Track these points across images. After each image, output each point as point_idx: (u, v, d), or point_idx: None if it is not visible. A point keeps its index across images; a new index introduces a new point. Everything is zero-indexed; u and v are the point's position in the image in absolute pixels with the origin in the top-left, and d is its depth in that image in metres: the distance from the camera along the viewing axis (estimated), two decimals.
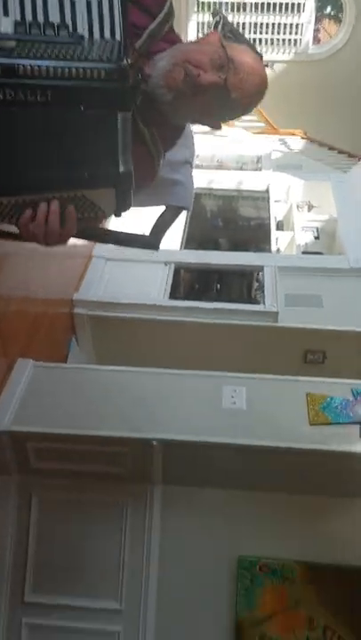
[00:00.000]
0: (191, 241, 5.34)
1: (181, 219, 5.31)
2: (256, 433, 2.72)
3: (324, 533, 2.80)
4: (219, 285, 4.53)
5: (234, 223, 6.31)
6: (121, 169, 1.05)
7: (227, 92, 1.15)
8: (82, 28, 1.03)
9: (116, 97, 1.01)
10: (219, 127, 1.29)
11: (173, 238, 4.89)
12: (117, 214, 1.15)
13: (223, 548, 2.79)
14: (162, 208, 1.53)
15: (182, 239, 5.06)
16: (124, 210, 1.14)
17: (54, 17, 1.02)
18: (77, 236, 1.49)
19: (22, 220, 1.10)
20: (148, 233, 1.48)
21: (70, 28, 1.03)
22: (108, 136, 1.03)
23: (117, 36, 1.04)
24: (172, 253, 4.57)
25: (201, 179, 5.54)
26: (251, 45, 1.29)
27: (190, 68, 1.15)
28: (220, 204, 6.31)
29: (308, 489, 2.78)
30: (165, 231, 1.48)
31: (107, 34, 1.04)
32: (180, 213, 1.51)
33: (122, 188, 1.09)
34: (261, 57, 1.29)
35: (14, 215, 1.09)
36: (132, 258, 4.44)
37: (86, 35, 1.03)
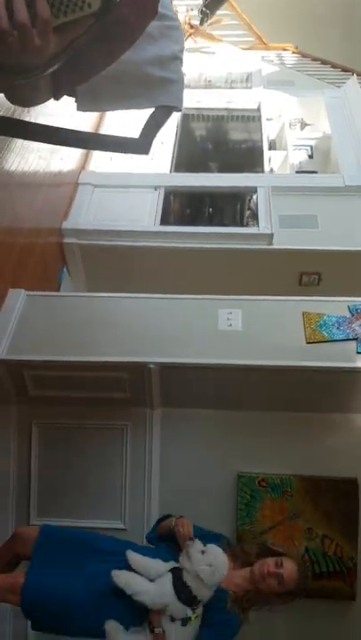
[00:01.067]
0: (180, 166, 5.15)
1: (170, 144, 5.14)
2: (253, 353, 2.71)
3: (321, 448, 2.85)
4: (211, 209, 4.42)
5: (224, 146, 6.09)
6: None
7: None
8: None
9: None
10: None
11: (162, 163, 4.72)
12: (105, 11, 0.98)
13: (223, 466, 2.84)
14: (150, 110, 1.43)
15: (171, 164, 4.88)
16: (112, 4, 0.99)
17: None
18: (59, 141, 1.39)
19: None
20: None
21: None
22: None
23: None
24: (162, 177, 4.42)
25: (189, 99, 5.30)
26: None
27: None
28: (210, 126, 6.07)
29: (305, 406, 2.81)
30: (156, 133, 1.38)
31: None
32: (171, 114, 1.40)
33: None
34: None
35: None
36: (120, 184, 4.31)
37: None
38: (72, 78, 1.17)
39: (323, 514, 2.87)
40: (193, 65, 5.58)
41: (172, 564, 2.07)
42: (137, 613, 2.01)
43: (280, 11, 7.11)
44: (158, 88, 1.38)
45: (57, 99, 1.15)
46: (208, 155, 6.02)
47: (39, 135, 1.41)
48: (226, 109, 5.54)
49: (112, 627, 1.99)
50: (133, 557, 2.06)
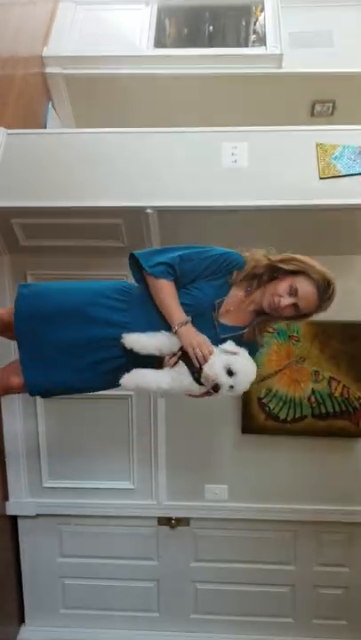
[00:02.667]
0: None
1: None
2: (261, 192, 2.47)
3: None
4: (211, 28, 3.85)
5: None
6: None
7: None
8: None
9: None
10: None
11: None
12: None
13: None
14: None
15: None
16: None
17: None
18: None
19: None
20: None
21: None
22: None
23: None
24: None
25: None
26: None
27: None
28: None
29: (317, 249, 2.61)
30: None
31: None
32: None
33: None
34: None
35: None
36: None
37: None
38: None
39: (329, 357, 2.83)
40: None
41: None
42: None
43: None
44: None
45: None
46: None
47: None
48: None
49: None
50: (138, 340, 1.68)
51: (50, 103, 3.61)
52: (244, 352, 1.69)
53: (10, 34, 3.10)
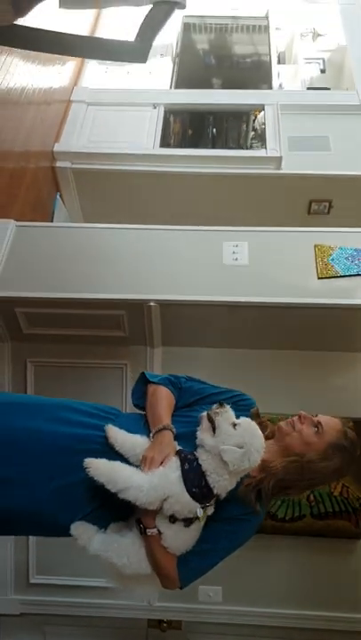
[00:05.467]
0: (181, 82, 4.76)
1: (169, 57, 4.72)
2: (261, 290, 2.53)
3: (330, 388, 2.74)
4: (214, 130, 4.09)
5: (229, 60, 5.63)
6: None
7: None
8: None
9: None
10: None
11: (161, 78, 4.35)
12: None
13: None
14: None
15: (171, 79, 4.50)
16: None
17: None
18: (45, 47, 1.15)
19: None
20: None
21: None
22: None
23: None
24: (161, 94, 4.08)
25: (190, 6, 4.81)
26: None
27: None
28: (213, 38, 5.58)
29: (314, 345, 2.66)
30: (155, 35, 1.15)
31: None
32: (172, 11, 1.16)
33: None
34: None
35: None
36: (116, 101, 3.97)
37: None
38: None
39: None
40: None
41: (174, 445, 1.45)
42: (119, 507, 1.40)
43: None
44: None
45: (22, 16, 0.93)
46: (211, 70, 5.57)
47: (17, 39, 1.17)
48: (231, 17, 5.06)
49: (82, 531, 1.42)
50: (116, 435, 1.44)
51: (58, 194, 3.76)
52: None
53: (25, 130, 3.29)
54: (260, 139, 3.93)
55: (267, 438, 1.47)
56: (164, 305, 2.54)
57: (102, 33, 4.11)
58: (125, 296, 2.53)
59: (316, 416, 1.54)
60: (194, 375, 2.69)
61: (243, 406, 1.55)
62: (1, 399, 1.63)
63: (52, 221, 3.58)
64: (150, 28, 1.15)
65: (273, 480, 1.46)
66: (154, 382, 1.58)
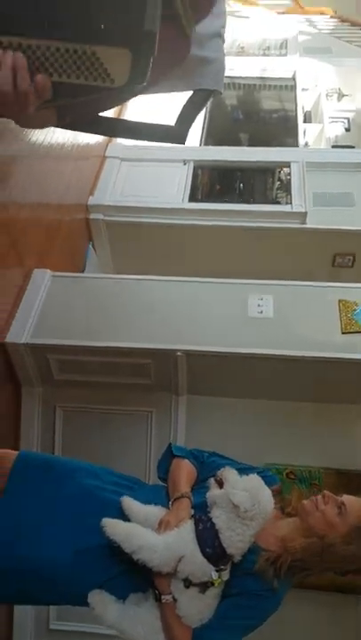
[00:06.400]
0: (210, 137, 4.97)
1: (199, 114, 4.92)
2: (285, 342, 2.60)
3: (353, 441, 2.76)
4: (241, 185, 4.24)
5: (256, 116, 5.86)
6: (145, 26, 0.85)
7: None
8: None
9: None
10: None
11: (191, 135, 4.53)
12: (128, 87, 0.92)
13: (249, 457, 2.73)
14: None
15: (201, 135, 4.71)
16: (138, 82, 0.92)
17: None
18: (86, 128, 1.27)
19: None
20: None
21: None
22: None
23: None
24: (191, 151, 4.25)
25: None
26: None
27: None
28: (241, 94, 5.83)
29: (337, 398, 2.71)
30: (194, 120, 1.26)
31: None
32: (210, 97, 1.28)
33: (141, 52, 0.88)
34: None
35: None
36: (148, 157, 4.16)
37: None
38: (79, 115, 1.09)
39: None
40: (225, 30, 5.32)
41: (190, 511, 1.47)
42: (137, 577, 1.43)
43: None
44: (196, 69, 1.25)
45: (59, 126, 1.06)
46: (239, 125, 5.80)
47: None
48: (259, 78, 5.31)
49: (98, 600, 1.42)
50: (131, 506, 1.46)
51: (90, 244, 3.92)
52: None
53: (63, 184, 3.47)
54: (286, 189, 4.07)
55: (289, 515, 1.49)
56: (191, 355, 2.62)
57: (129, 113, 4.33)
58: (153, 345, 2.63)
59: (341, 496, 1.49)
60: (217, 424, 2.76)
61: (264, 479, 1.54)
62: (30, 461, 1.70)
63: (84, 270, 3.73)
64: (190, 112, 1.27)
65: (291, 559, 1.43)
66: (178, 456, 1.62)
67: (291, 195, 3.87)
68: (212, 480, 1.49)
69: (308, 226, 3.76)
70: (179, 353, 2.60)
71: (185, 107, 1.27)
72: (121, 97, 1.06)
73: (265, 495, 1.43)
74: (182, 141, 1.26)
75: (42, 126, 1.06)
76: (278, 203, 4.04)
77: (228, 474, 1.46)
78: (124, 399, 2.83)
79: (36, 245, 3.04)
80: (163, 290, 2.86)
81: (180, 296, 2.82)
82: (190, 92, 1.30)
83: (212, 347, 2.62)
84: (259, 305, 2.75)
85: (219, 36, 1.29)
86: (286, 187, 4.04)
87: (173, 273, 3.06)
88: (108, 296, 2.84)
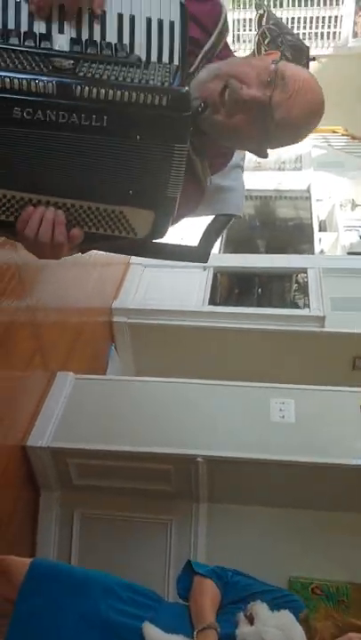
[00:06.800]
0: (228, 243, 5.20)
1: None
2: (307, 449, 2.57)
3: None
4: (260, 290, 4.38)
5: (272, 224, 6.14)
6: (168, 193, 0.99)
7: (271, 111, 1.00)
8: (139, 50, 0.95)
9: (174, 128, 0.93)
10: (265, 155, 1.13)
11: None
12: (149, 240, 1.07)
13: (273, 570, 2.63)
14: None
15: (220, 243, 4.93)
16: (158, 237, 1.07)
17: (112, 36, 0.95)
18: (113, 250, 1.38)
19: (26, 217, 0.99)
20: (194, 243, 1.37)
21: (128, 49, 0.95)
22: (161, 165, 0.96)
23: (175, 60, 0.96)
24: (211, 257, 4.40)
25: None
26: (296, 37, 1.16)
27: (233, 81, 1.01)
28: (259, 204, 6.15)
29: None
30: (215, 241, 1.36)
31: (165, 57, 0.96)
32: (230, 221, 1.38)
33: (163, 213, 1.02)
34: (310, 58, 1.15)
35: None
36: (170, 263, 4.33)
37: (143, 57, 0.95)
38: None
39: None
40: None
41: None
42: None
43: (328, 93, 7.31)
44: (218, 196, 1.36)
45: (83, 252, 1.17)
46: (257, 232, 6.07)
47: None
48: (275, 190, 5.62)
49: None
50: (153, 635, 1.44)
51: (113, 346, 4.01)
52: None
53: (88, 290, 3.62)
54: (304, 291, 4.17)
55: None
56: (212, 461, 2.60)
57: None
58: (173, 450, 2.61)
59: None
60: (239, 534, 2.68)
61: (291, 609, 1.51)
62: (43, 571, 1.65)
63: (106, 370, 3.79)
64: (212, 235, 1.37)
65: None
66: (200, 574, 1.57)
67: (309, 298, 3.97)
68: (241, 615, 1.45)
69: (326, 329, 3.81)
70: (199, 459, 2.58)
71: (207, 229, 1.37)
72: (142, 246, 1.19)
73: (297, 633, 1.41)
74: (205, 261, 1.35)
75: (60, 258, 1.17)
76: (296, 304, 4.14)
77: (259, 609, 1.42)
78: (143, 506, 2.77)
79: (61, 348, 3.13)
80: (184, 393, 2.88)
81: (202, 399, 2.84)
82: (212, 216, 1.40)
83: (233, 452, 2.59)
84: (281, 409, 2.75)
85: (239, 166, 1.41)
86: (304, 289, 4.16)
87: (194, 374, 3.10)
88: (129, 399, 2.87)
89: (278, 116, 1.01)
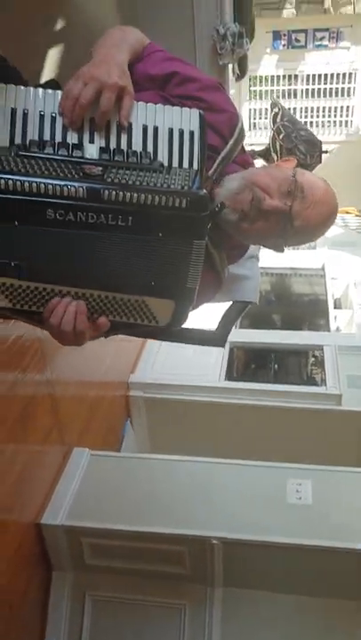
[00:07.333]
0: (245, 317, 5.26)
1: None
2: (326, 533, 2.51)
3: None
4: (276, 366, 4.40)
5: (288, 299, 6.23)
6: (188, 284, 1.06)
7: (290, 219, 1.11)
8: (162, 156, 1.05)
9: (193, 226, 1.02)
10: (281, 250, 1.22)
11: None
12: (168, 328, 1.13)
13: None
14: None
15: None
16: (178, 325, 1.13)
17: (137, 145, 1.05)
18: (134, 334, 1.44)
19: (52, 308, 1.06)
20: (212, 327, 1.43)
21: (151, 156, 1.04)
22: (181, 259, 1.04)
23: (195, 165, 1.05)
24: None
25: None
26: (309, 132, 1.25)
27: (257, 191, 1.11)
28: (274, 280, 6.28)
29: None
30: (232, 326, 1.42)
31: (185, 163, 1.05)
32: (246, 308, 1.45)
33: (183, 303, 1.09)
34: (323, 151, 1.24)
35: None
36: None
37: (165, 163, 1.05)
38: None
39: None
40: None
41: None
42: None
43: (341, 176, 7.59)
44: (235, 284, 1.43)
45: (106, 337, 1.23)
46: (273, 307, 6.15)
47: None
48: (290, 268, 5.75)
49: None
50: None
51: (128, 420, 4.02)
52: None
53: (106, 363, 3.67)
54: (320, 366, 4.19)
55: None
56: (227, 543, 2.55)
57: None
58: (188, 532, 2.57)
59: None
60: (255, 621, 2.58)
61: None
62: None
63: (121, 443, 3.78)
64: (229, 320, 1.44)
65: None
66: None
67: (325, 374, 3.98)
68: None
69: (344, 408, 3.79)
70: (214, 541, 2.53)
71: (224, 315, 1.44)
72: (162, 332, 1.25)
73: None
74: (222, 345, 1.40)
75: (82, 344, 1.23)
76: (313, 379, 4.14)
77: None
78: (156, 590, 2.70)
79: (78, 422, 3.15)
80: (199, 471, 2.86)
81: (218, 478, 2.81)
82: (229, 302, 1.47)
83: (249, 535, 2.55)
84: (297, 490, 2.72)
85: (255, 257, 1.49)
86: (321, 363, 4.18)
87: (210, 450, 3.08)
88: (144, 476, 2.86)
89: (297, 223, 1.11)
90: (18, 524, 2.50)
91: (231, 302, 1.47)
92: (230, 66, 1.84)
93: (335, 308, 5.00)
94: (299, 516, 2.61)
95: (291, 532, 2.54)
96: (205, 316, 1.60)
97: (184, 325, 1.36)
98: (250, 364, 4.61)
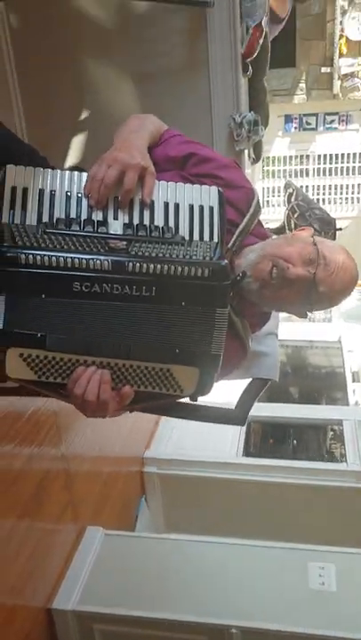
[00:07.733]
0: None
1: None
2: (352, 623, 2.37)
3: None
4: (295, 441, 4.31)
5: (305, 372, 6.19)
6: (212, 351, 1.06)
7: (315, 285, 1.14)
8: (183, 230, 1.10)
9: (215, 295, 1.04)
10: (304, 316, 1.25)
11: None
12: (194, 397, 1.12)
13: None
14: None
15: None
16: (203, 394, 1.12)
17: (159, 220, 1.10)
18: (156, 411, 1.42)
19: (76, 378, 1.05)
20: (231, 406, 1.41)
21: (173, 231, 1.09)
22: (204, 328, 1.05)
23: (215, 238, 1.10)
24: None
25: None
26: (323, 211, 1.28)
27: (280, 261, 1.15)
28: (290, 352, 6.26)
29: None
30: (252, 404, 1.40)
31: (205, 236, 1.10)
32: (266, 385, 1.44)
33: (207, 370, 1.08)
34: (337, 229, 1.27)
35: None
36: None
37: (187, 236, 1.09)
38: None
39: None
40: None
41: None
42: None
43: (354, 251, 7.71)
44: (254, 361, 1.43)
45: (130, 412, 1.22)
46: (289, 380, 6.10)
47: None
48: (307, 341, 5.74)
49: None
50: None
51: (143, 497, 3.91)
52: None
53: (121, 438, 3.62)
54: (340, 440, 4.08)
55: None
56: (247, 632, 2.41)
57: None
58: (206, 620, 2.44)
59: None
60: None
61: None
62: None
63: (135, 521, 3.66)
64: (249, 398, 1.42)
65: None
66: None
67: (345, 449, 3.88)
68: None
69: None
70: (234, 630, 2.39)
71: (244, 393, 1.43)
72: (183, 408, 1.24)
73: None
74: (242, 424, 1.38)
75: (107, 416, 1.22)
76: (333, 454, 4.03)
77: None
78: None
79: (92, 500, 3.07)
80: (217, 553, 2.75)
81: (236, 561, 2.70)
82: (249, 380, 1.46)
83: (269, 623, 2.41)
84: (320, 575, 2.59)
85: (274, 334, 1.50)
86: (340, 438, 4.08)
87: (226, 528, 2.97)
88: (158, 558, 2.75)
89: (322, 289, 1.15)
90: (28, 610, 2.39)
91: (250, 379, 1.47)
92: (246, 151, 1.93)
93: (353, 381, 4.95)
94: (322, 603, 2.47)
95: (314, 621, 2.40)
96: (224, 393, 1.60)
97: (204, 403, 1.36)
98: (268, 438, 4.52)
